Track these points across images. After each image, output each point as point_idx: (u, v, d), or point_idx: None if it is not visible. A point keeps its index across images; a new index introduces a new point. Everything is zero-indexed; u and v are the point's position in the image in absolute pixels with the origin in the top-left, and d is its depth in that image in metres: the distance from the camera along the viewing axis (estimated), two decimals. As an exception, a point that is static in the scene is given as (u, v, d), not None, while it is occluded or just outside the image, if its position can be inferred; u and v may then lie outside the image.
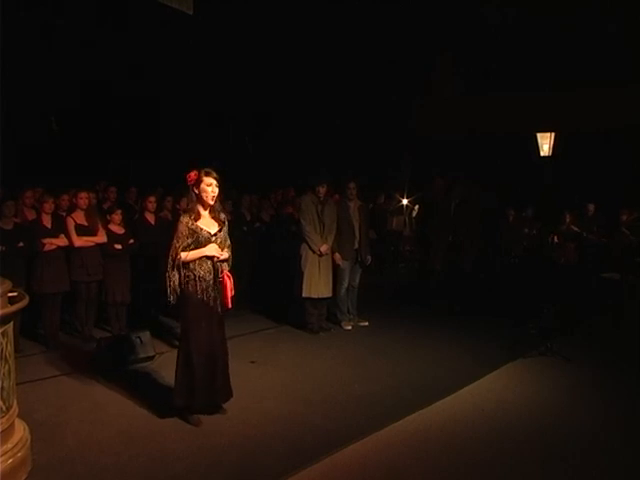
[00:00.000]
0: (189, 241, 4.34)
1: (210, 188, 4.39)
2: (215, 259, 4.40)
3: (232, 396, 4.66)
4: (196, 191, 4.42)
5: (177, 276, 4.35)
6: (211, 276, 4.41)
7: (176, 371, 4.47)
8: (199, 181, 4.39)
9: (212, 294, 4.41)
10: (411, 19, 12.02)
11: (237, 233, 7.46)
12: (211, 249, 4.37)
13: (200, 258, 4.36)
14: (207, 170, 4.41)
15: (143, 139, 11.19)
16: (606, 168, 11.05)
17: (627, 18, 10.79)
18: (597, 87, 11.79)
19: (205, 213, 4.46)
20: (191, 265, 4.36)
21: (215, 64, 11.24)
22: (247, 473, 3.83)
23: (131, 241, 6.69)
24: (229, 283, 4.50)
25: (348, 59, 12.08)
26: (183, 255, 4.32)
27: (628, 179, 10.68)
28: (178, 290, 4.37)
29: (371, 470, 3.90)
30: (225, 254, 4.44)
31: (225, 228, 4.54)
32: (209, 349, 4.44)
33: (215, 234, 4.43)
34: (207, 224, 4.44)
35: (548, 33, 11.61)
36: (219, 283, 4.46)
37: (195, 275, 4.36)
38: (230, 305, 4.57)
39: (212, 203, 4.43)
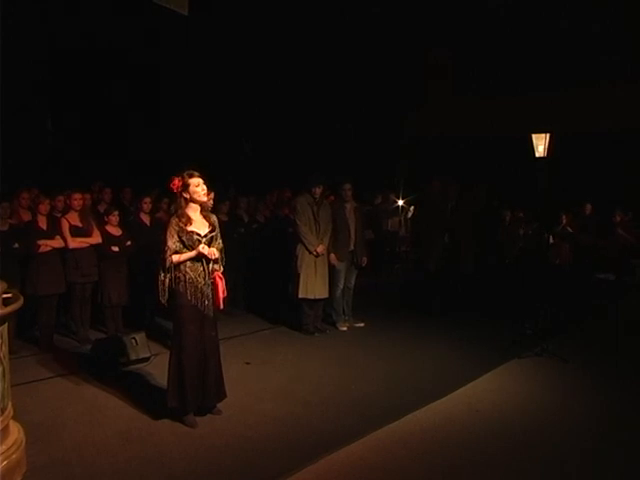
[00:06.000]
0: (179, 243, 4.34)
1: (199, 188, 4.40)
2: (206, 259, 4.38)
3: (225, 396, 4.67)
4: (186, 195, 4.40)
5: (168, 278, 4.36)
6: (202, 278, 4.40)
7: (168, 372, 4.48)
8: (186, 185, 4.38)
9: (203, 295, 4.40)
10: (411, 19, 12.02)
11: (234, 234, 7.46)
12: (200, 249, 4.35)
13: (191, 260, 4.36)
14: (189, 172, 4.42)
15: (141, 140, 11.15)
16: (603, 169, 11.07)
17: (627, 18, 10.81)
18: (596, 87, 11.82)
19: (196, 215, 4.45)
20: (182, 267, 4.36)
21: (213, 65, 11.22)
22: (244, 474, 3.83)
23: (128, 243, 6.67)
24: (221, 284, 4.49)
25: (347, 59, 12.08)
26: (175, 258, 4.33)
27: (624, 180, 10.70)
28: (167, 292, 4.37)
29: (367, 471, 3.90)
30: (216, 253, 4.43)
31: (217, 230, 4.54)
32: (200, 350, 4.43)
33: (205, 235, 4.43)
34: (197, 226, 4.43)
35: (547, 33, 11.63)
36: (211, 284, 4.46)
37: (185, 277, 4.36)
38: (222, 306, 4.56)
39: (206, 200, 4.45)
